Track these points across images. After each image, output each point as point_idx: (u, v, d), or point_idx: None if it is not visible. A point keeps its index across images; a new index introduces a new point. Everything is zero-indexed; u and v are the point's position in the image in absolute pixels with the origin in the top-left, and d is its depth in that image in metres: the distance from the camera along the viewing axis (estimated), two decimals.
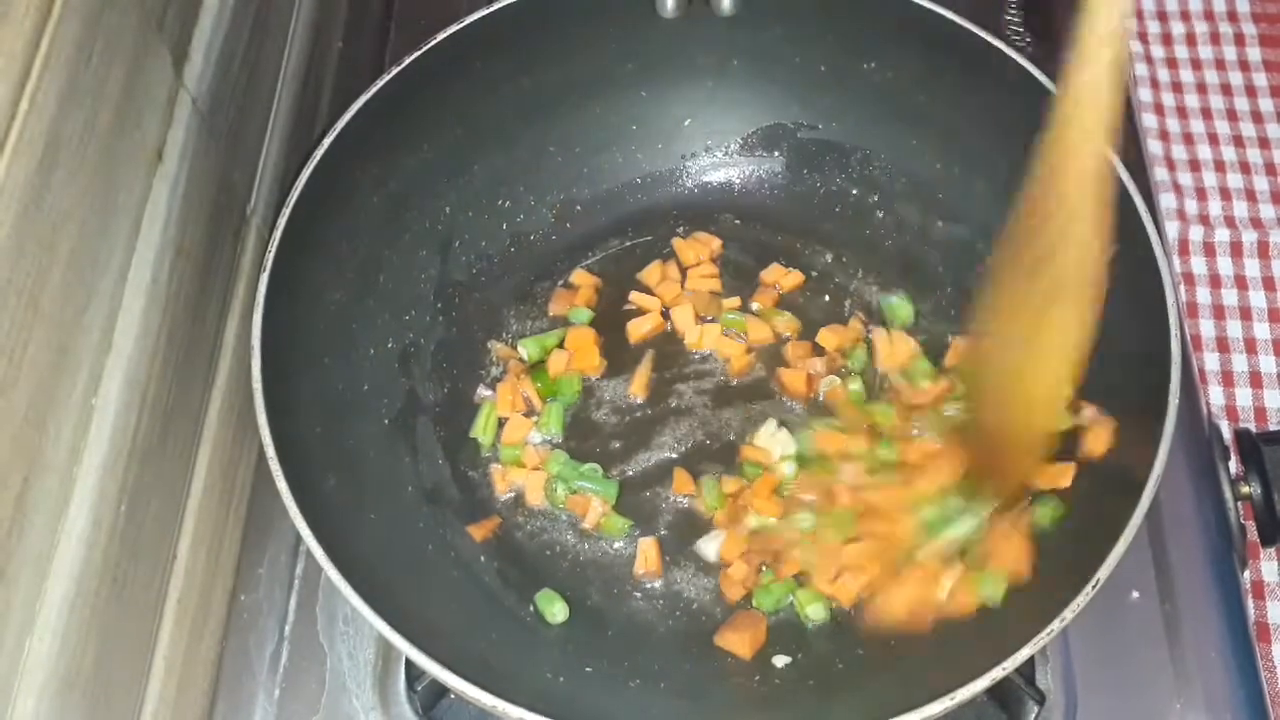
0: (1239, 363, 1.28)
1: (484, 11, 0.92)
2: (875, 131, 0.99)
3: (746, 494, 0.89)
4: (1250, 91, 1.45)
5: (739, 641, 0.84)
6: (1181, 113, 1.44)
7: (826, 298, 0.99)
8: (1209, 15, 1.50)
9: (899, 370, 0.94)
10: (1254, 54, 1.47)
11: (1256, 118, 1.43)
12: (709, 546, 0.88)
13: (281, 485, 0.75)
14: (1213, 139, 1.42)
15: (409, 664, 0.85)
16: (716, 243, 1.01)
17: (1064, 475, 0.84)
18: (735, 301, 0.99)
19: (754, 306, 0.99)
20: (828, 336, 0.96)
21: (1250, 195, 1.37)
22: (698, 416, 0.94)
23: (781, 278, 0.99)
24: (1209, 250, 1.34)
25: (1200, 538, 0.90)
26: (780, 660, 0.84)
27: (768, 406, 0.94)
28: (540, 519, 0.91)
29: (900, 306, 0.97)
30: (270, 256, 0.82)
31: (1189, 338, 1.04)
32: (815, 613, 0.85)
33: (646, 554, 0.88)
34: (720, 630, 0.85)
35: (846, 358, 0.95)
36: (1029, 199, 0.75)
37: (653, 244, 1.02)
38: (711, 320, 0.98)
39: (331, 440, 0.84)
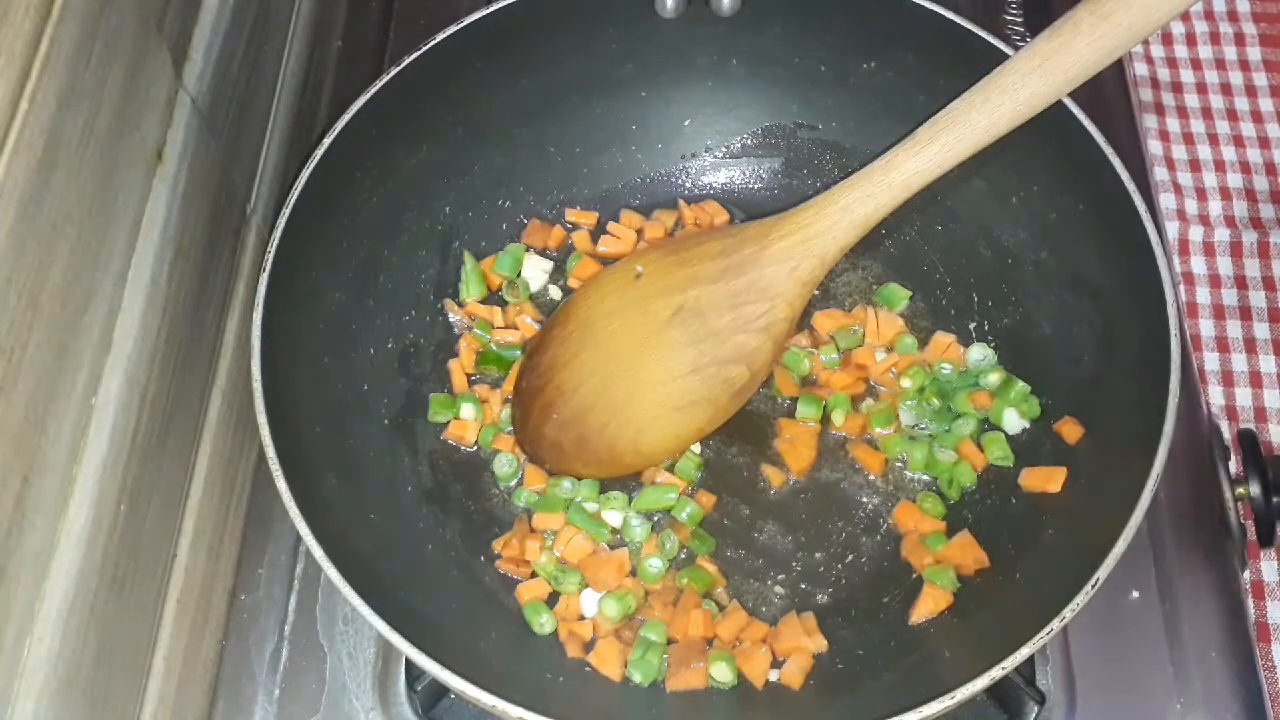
0: (1239, 362, 1.28)
1: (484, 11, 0.92)
2: (875, 131, 0.98)
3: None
4: (1250, 91, 1.45)
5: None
6: (1182, 112, 1.44)
7: (820, 292, 0.99)
8: (1209, 15, 1.50)
9: (882, 346, 0.95)
10: (1254, 54, 1.47)
11: (1256, 117, 1.43)
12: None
13: (281, 485, 0.75)
14: (1213, 139, 1.42)
15: (409, 664, 0.85)
16: (723, 215, 1.01)
17: (1054, 479, 0.84)
18: None
19: None
20: (823, 320, 0.96)
21: (1250, 195, 1.37)
22: None
23: None
24: (1209, 250, 1.34)
25: (1200, 538, 0.90)
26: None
27: None
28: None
29: (895, 291, 0.97)
30: (270, 256, 0.82)
31: (1189, 337, 1.04)
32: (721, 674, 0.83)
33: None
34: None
35: (835, 338, 0.96)
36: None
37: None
38: None
39: (331, 440, 0.84)
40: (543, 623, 0.84)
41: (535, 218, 1.01)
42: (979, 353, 0.93)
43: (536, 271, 0.99)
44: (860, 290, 0.99)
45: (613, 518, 0.88)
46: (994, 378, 0.92)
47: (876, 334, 0.95)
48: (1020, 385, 0.90)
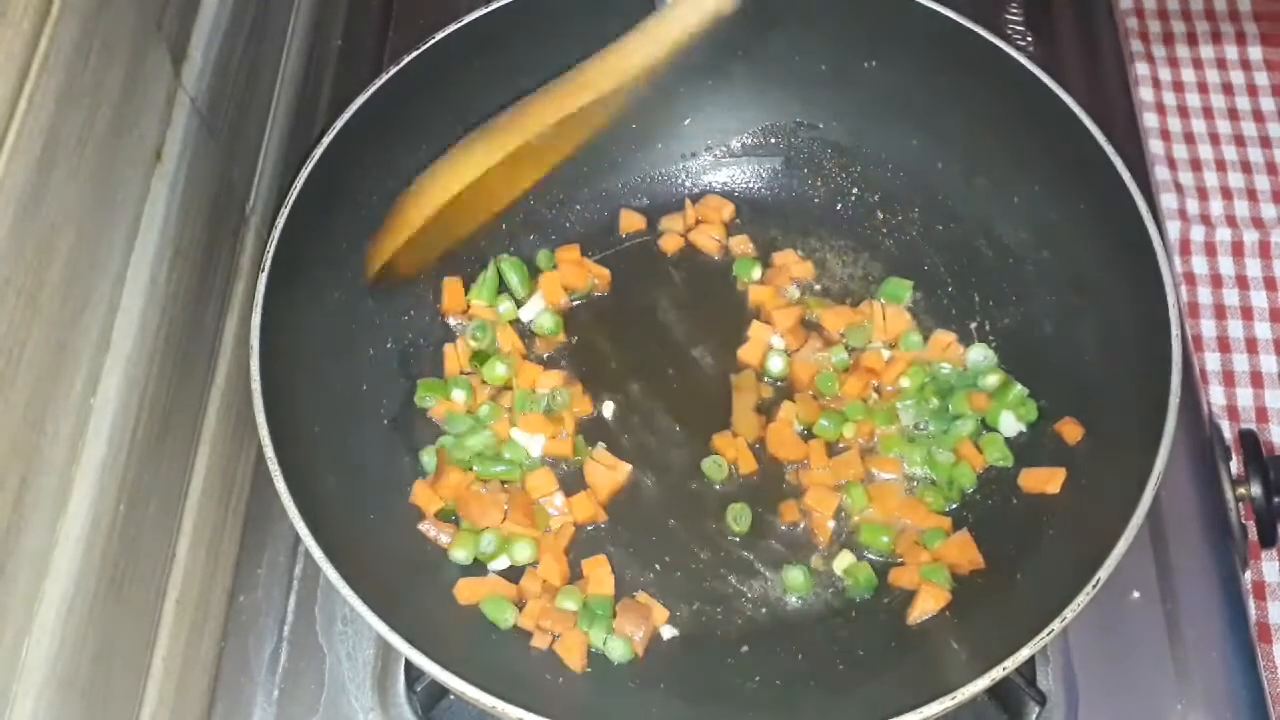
0: (1240, 363, 1.27)
1: (484, 10, 0.92)
2: (875, 131, 0.99)
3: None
4: (1251, 91, 1.45)
5: None
6: (1183, 112, 1.44)
7: (818, 289, 0.99)
8: (1210, 14, 1.50)
9: (889, 342, 0.95)
10: (1255, 53, 1.47)
11: (1258, 117, 1.43)
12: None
13: (280, 485, 0.75)
14: (1214, 138, 1.41)
15: (408, 664, 0.85)
16: (729, 208, 1.02)
17: (1053, 480, 0.84)
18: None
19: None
20: (831, 318, 0.96)
21: (1252, 195, 1.37)
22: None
23: (794, 264, 0.99)
24: (1210, 250, 1.33)
25: (1201, 538, 0.90)
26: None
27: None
28: None
29: (899, 285, 0.97)
30: (269, 256, 0.82)
31: (1190, 338, 1.04)
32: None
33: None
34: None
35: (844, 336, 0.95)
36: None
37: (652, 243, 1.02)
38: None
39: (331, 440, 0.84)
40: (506, 617, 0.83)
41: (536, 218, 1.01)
42: (979, 353, 0.93)
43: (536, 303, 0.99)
44: (862, 288, 0.99)
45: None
46: (992, 379, 0.91)
47: (884, 329, 0.95)
48: (1018, 388, 0.90)
